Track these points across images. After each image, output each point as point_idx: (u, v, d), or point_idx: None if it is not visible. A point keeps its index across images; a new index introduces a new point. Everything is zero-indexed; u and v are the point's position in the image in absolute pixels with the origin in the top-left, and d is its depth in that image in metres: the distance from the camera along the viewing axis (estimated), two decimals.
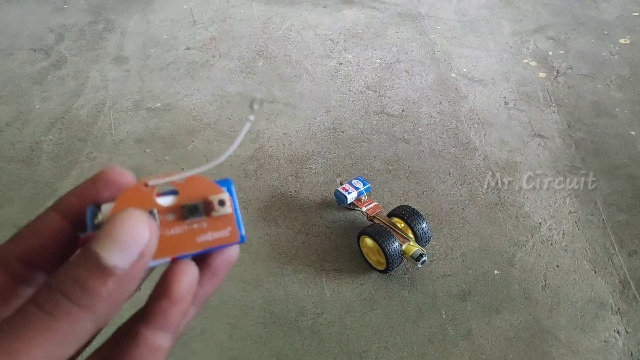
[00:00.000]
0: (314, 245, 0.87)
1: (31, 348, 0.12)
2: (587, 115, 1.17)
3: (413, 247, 0.78)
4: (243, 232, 0.16)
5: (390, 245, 0.76)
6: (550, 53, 1.38)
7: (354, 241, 0.87)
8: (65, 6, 1.59)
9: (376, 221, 0.83)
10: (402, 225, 0.82)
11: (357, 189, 0.87)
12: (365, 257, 0.83)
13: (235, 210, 0.16)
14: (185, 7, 1.58)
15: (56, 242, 0.15)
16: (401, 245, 0.77)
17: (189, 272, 0.15)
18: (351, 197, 0.86)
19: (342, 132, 1.12)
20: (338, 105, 1.19)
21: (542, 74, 1.30)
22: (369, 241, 0.80)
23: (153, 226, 0.14)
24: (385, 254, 0.76)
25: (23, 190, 0.98)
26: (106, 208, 0.15)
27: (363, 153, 1.06)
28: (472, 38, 1.44)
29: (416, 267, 0.79)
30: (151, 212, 0.15)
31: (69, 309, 0.12)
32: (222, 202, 0.15)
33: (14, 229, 0.16)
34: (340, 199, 0.87)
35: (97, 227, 0.15)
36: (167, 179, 0.15)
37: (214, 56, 1.36)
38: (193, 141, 1.09)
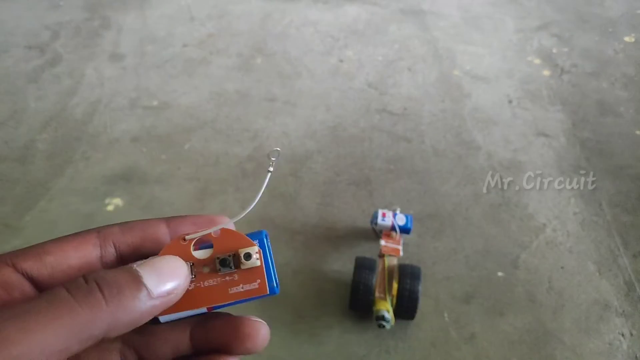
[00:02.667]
0: (313, 247, 0.85)
1: (48, 329, 0.12)
2: (592, 114, 1.15)
3: (383, 306, 0.68)
4: (273, 284, 0.17)
5: (360, 277, 0.69)
6: (555, 51, 1.36)
7: (354, 241, 0.85)
8: (61, 3, 1.57)
9: (380, 262, 0.74)
10: (396, 286, 0.71)
11: (394, 220, 0.77)
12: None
13: (266, 262, 0.17)
14: (183, 3, 1.56)
15: (85, 269, 0.16)
16: (373, 295, 0.70)
17: (264, 329, 0.17)
18: (381, 223, 0.77)
19: (343, 130, 1.10)
20: (338, 103, 1.17)
21: (546, 72, 1.28)
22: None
23: (187, 277, 0.16)
24: (352, 286, 0.70)
25: (15, 190, 0.96)
26: None
27: (364, 152, 1.04)
28: (475, 35, 1.42)
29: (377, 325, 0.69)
30: (191, 265, 0.16)
31: (97, 302, 0.13)
32: (248, 256, 0.17)
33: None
34: (374, 216, 0.80)
35: None
36: (202, 233, 0.17)
37: (211, 53, 1.34)
38: (190, 140, 1.07)
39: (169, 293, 0.15)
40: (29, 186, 0.96)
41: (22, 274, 0.15)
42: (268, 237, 0.18)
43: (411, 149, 1.05)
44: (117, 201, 0.93)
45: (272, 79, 1.24)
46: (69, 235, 0.16)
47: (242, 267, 0.16)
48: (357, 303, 0.72)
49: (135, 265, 0.15)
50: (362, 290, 0.70)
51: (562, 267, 0.83)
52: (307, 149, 1.05)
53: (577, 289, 0.80)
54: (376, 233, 0.82)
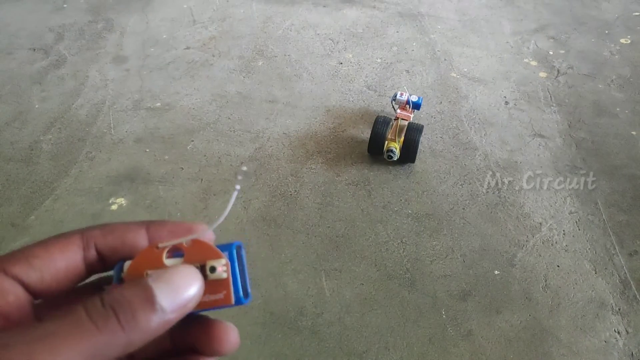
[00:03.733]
0: (314, 245, 0.87)
1: (71, 351, 0.13)
2: (588, 115, 1.17)
3: (392, 145, 0.97)
4: (240, 295, 0.17)
5: (378, 128, 0.98)
6: (551, 53, 1.37)
7: (354, 242, 0.87)
8: (65, 5, 1.59)
9: (395, 122, 1.00)
10: (402, 139, 0.99)
11: (409, 98, 1.03)
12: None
13: (234, 274, 0.17)
14: (185, 6, 1.58)
15: (71, 271, 0.17)
16: (386, 138, 0.98)
17: (233, 333, 0.18)
18: (399, 98, 1.03)
19: (342, 131, 1.11)
20: (338, 104, 1.19)
21: (542, 74, 1.30)
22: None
23: (201, 287, 0.16)
24: (371, 134, 0.98)
25: (21, 190, 0.97)
26: (126, 265, 0.17)
27: (363, 153, 1.06)
28: (472, 37, 1.43)
29: (385, 158, 0.98)
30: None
31: (114, 328, 0.14)
32: (212, 269, 0.17)
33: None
34: (394, 95, 1.04)
35: (122, 280, 0.17)
36: (174, 242, 0.17)
37: (213, 55, 1.35)
38: (192, 141, 1.09)
39: (183, 306, 0.15)
40: (34, 186, 0.98)
41: (13, 278, 0.15)
42: (242, 248, 0.18)
43: None
44: (121, 201, 0.95)
45: (273, 81, 1.26)
46: (53, 237, 0.17)
47: (209, 278, 0.17)
48: (374, 145, 0.99)
49: (150, 281, 0.15)
50: (379, 135, 0.98)
51: (558, 266, 0.85)
52: (308, 149, 1.07)
53: (573, 287, 0.82)
54: (394, 108, 1.06)
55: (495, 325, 0.76)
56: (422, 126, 1.01)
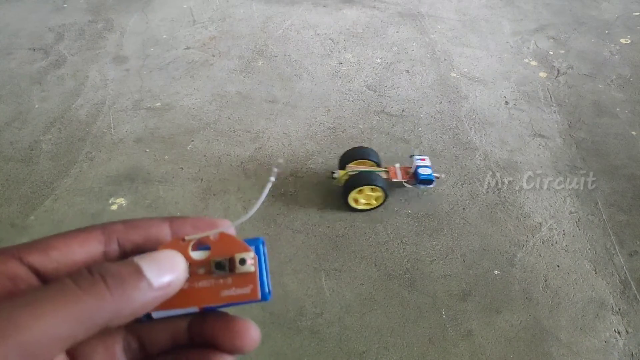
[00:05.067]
0: (313, 245, 0.87)
1: (57, 316, 0.13)
2: (588, 115, 1.17)
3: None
4: (266, 290, 0.17)
5: (377, 180, 0.87)
6: (551, 53, 1.37)
7: (354, 242, 0.87)
8: (65, 5, 1.59)
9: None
10: (359, 163, 0.92)
11: (417, 169, 0.91)
12: (356, 208, 0.90)
13: (260, 268, 0.17)
14: (185, 6, 1.58)
15: (85, 267, 0.16)
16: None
17: (254, 330, 0.17)
18: (416, 160, 0.92)
19: (342, 131, 1.11)
20: (338, 104, 1.19)
21: (542, 74, 1.30)
22: (357, 195, 0.88)
23: (184, 270, 0.16)
24: (379, 187, 0.86)
25: (21, 190, 0.97)
26: None
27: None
28: (472, 37, 1.43)
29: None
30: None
31: (101, 292, 0.13)
32: (242, 261, 0.17)
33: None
34: (414, 155, 0.94)
35: None
36: (201, 235, 0.17)
37: (213, 55, 1.35)
38: (192, 141, 1.09)
39: (168, 285, 0.15)
40: (34, 186, 0.98)
41: (28, 266, 0.15)
42: (265, 245, 0.18)
43: (409, 150, 1.06)
44: (121, 201, 0.95)
45: (273, 81, 1.26)
46: (74, 230, 0.17)
47: (237, 271, 0.17)
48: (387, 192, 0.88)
49: (136, 259, 0.15)
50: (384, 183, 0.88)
51: (558, 266, 0.85)
52: (308, 149, 1.07)
53: (573, 287, 0.82)
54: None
55: (495, 325, 0.76)
56: (362, 147, 0.95)
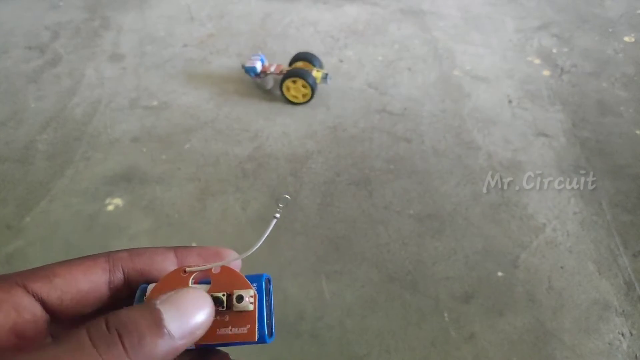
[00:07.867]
0: (313, 247, 0.85)
1: None
2: (592, 114, 1.15)
3: (319, 73, 1.10)
4: (264, 332, 0.16)
5: (309, 76, 1.06)
6: (555, 51, 1.36)
7: (355, 243, 0.85)
8: (61, 3, 1.57)
9: (287, 71, 1.09)
10: (304, 64, 1.13)
11: (259, 59, 1.12)
12: (291, 100, 1.11)
13: (261, 308, 0.16)
14: (183, 3, 1.56)
15: (93, 294, 0.16)
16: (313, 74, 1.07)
17: None
18: (259, 65, 1.11)
19: (343, 131, 1.10)
20: (338, 103, 1.17)
21: (546, 72, 1.28)
22: (291, 84, 1.08)
23: (211, 313, 0.15)
24: (309, 84, 1.07)
25: (16, 191, 0.96)
26: (150, 288, 0.16)
27: (364, 152, 1.04)
28: (475, 35, 1.42)
29: (326, 84, 1.12)
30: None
31: (118, 354, 0.13)
32: (240, 298, 0.16)
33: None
34: (253, 70, 1.10)
35: None
36: (202, 268, 0.16)
37: (211, 53, 1.34)
38: (190, 140, 1.07)
39: (192, 332, 0.14)
40: (30, 187, 0.97)
41: (33, 295, 0.15)
42: (271, 282, 0.17)
43: (411, 149, 1.05)
44: (118, 201, 0.94)
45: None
46: (78, 258, 0.16)
47: (234, 309, 0.16)
48: (315, 88, 1.10)
49: (158, 303, 0.14)
50: (312, 79, 1.09)
51: (561, 267, 0.83)
52: (307, 149, 1.05)
53: (577, 288, 0.81)
54: (260, 76, 1.13)
55: (498, 327, 0.75)
56: (307, 52, 1.16)
